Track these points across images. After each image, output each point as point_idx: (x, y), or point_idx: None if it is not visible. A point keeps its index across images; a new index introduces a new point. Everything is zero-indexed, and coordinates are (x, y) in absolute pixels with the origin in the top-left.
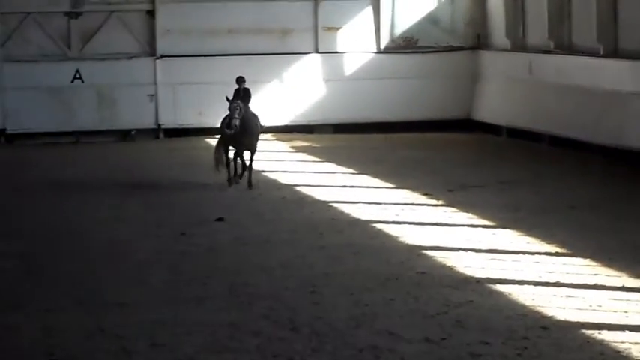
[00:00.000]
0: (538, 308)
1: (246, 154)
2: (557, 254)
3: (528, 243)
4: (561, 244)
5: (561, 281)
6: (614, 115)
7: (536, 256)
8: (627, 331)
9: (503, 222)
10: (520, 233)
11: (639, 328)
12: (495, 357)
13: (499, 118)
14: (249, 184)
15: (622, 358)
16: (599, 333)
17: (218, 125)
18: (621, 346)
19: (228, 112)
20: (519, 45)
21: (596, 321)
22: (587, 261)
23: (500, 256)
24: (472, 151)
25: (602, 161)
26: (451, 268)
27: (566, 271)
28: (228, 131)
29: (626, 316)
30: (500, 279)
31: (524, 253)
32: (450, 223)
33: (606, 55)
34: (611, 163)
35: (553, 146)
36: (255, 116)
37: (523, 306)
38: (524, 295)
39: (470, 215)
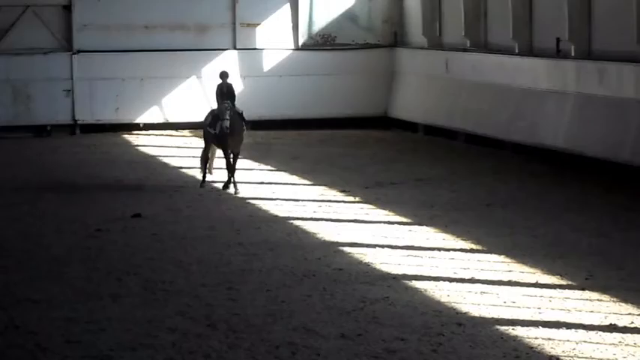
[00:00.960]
0: (453, 305)
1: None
2: (472, 251)
3: (444, 240)
4: (476, 241)
5: (476, 278)
6: (529, 112)
7: (452, 252)
8: (540, 327)
9: (420, 219)
10: (436, 230)
11: (552, 324)
12: (411, 353)
13: (416, 115)
14: (235, 186)
15: (535, 353)
16: (513, 329)
17: (136, 121)
18: (534, 342)
19: (212, 111)
20: (436, 43)
21: (510, 317)
22: (502, 258)
23: (417, 252)
24: (389, 148)
25: (517, 158)
26: (367, 265)
27: (481, 268)
28: (211, 130)
29: (540, 312)
30: (416, 275)
31: (439, 249)
32: (366, 220)
33: (521, 54)
34: (525, 161)
35: (469, 143)
36: (240, 115)
37: (438, 302)
38: (439, 292)
39: (386, 212)
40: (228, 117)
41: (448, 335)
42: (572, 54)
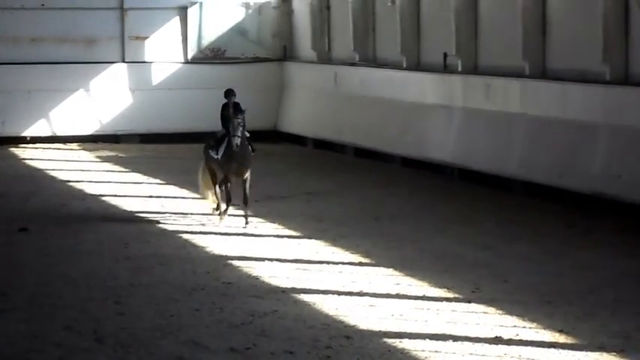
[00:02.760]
0: (341, 318)
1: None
2: (360, 264)
3: (333, 253)
4: (365, 254)
5: (364, 291)
6: (417, 126)
7: (340, 266)
8: (427, 340)
9: (309, 232)
10: (325, 243)
11: (439, 336)
12: None
13: (305, 129)
14: (246, 219)
15: None
16: (401, 342)
17: (23, 134)
18: (421, 355)
19: (214, 135)
20: (325, 57)
21: (397, 330)
22: (390, 271)
23: (305, 266)
24: (278, 162)
25: (406, 172)
26: (257, 278)
27: (370, 281)
28: (214, 155)
29: (427, 325)
30: (305, 289)
31: (328, 263)
32: (256, 234)
33: (409, 68)
34: (414, 174)
35: (358, 157)
36: (248, 137)
37: (327, 316)
38: (328, 305)
39: (276, 225)
40: (239, 134)
41: (336, 348)
42: (459, 69)
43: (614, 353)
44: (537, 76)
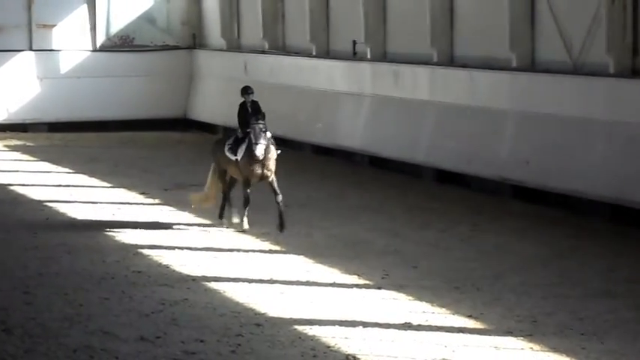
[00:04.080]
0: (252, 305)
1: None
2: (271, 252)
3: (243, 241)
4: (275, 242)
5: (275, 278)
6: (327, 114)
7: (251, 253)
8: (338, 326)
9: (220, 220)
10: (235, 231)
11: (349, 323)
12: (210, 355)
13: (215, 117)
14: (282, 224)
15: (332, 352)
16: (311, 328)
17: None
18: (332, 341)
19: (231, 135)
20: (234, 45)
21: (308, 317)
22: (301, 258)
23: (216, 254)
24: (189, 150)
25: (316, 159)
26: (167, 267)
27: (280, 269)
28: (232, 156)
29: (337, 312)
30: (216, 277)
31: (239, 251)
32: (166, 222)
33: (319, 56)
34: (324, 162)
35: None
36: (270, 138)
37: (237, 303)
38: (238, 293)
39: (186, 214)
40: (263, 141)
41: (247, 336)
42: (368, 56)
43: (521, 338)
44: (445, 64)
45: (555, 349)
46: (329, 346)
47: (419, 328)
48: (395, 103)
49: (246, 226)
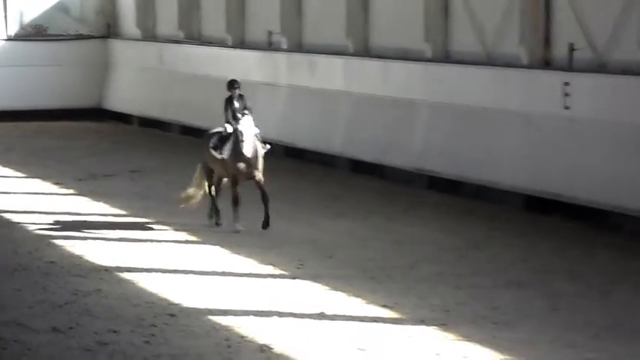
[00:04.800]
0: (166, 296)
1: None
2: (187, 242)
3: (158, 231)
4: (191, 232)
5: (190, 269)
6: None
7: (165, 243)
8: (252, 316)
9: (134, 210)
10: (150, 221)
11: (264, 313)
12: (123, 345)
13: (130, 107)
14: (267, 222)
15: (247, 342)
16: (226, 319)
17: None
18: (246, 331)
19: (215, 131)
20: (150, 35)
21: (223, 307)
22: (216, 248)
23: (130, 244)
24: (103, 140)
25: None
26: (80, 258)
27: (196, 259)
28: (217, 155)
29: (252, 302)
30: (130, 267)
31: (153, 241)
32: (80, 213)
33: (234, 46)
34: None
35: (184, 135)
36: (257, 134)
37: (151, 294)
38: (153, 283)
39: (101, 204)
40: (250, 139)
41: (161, 326)
42: (284, 46)
43: (435, 327)
44: (360, 54)
45: (468, 338)
46: (243, 336)
47: (334, 317)
48: (310, 93)
49: (239, 227)
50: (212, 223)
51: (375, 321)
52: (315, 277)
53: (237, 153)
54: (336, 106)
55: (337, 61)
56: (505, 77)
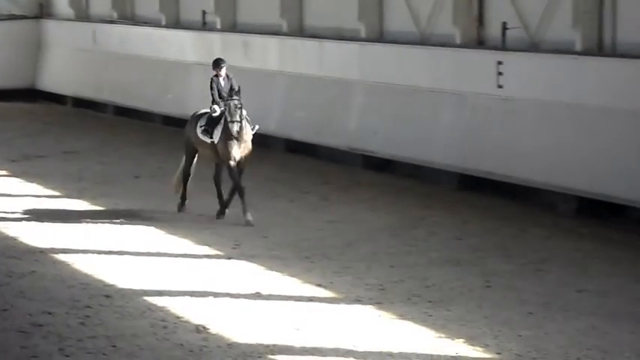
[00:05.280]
0: (101, 277)
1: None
2: (121, 223)
3: (93, 212)
4: (126, 213)
5: (125, 250)
6: (177, 84)
7: (100, 224)
8: (188, 297)
9: (68, 192)
10: (85, 202)
11: (200, 293)
12: (58, 326)
13: (64, 87)
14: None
15: (182, 323)
16: (161, 299)
17: None
18: (182, 312)
19: (203, 113)
20: (83, 15)
21: (158, 288)
22: (152, 229)
23: (65, 226)
24: (36, 121)
25: (166, 130)
26: (14, 239)
27: (130, 240)
28: (207, 139)
29: (188, 282)
30: (65, 249)
31: (88, 222)
32: (14, 194)
33: (168, 26)
34: (175, 133)
35: (118, 116)
36: (246, 117)
37: (86, 275)
38: (87, 265)
39: (35, 185)
40: (239, 119)
41: (96, 308)
42: (218, 26)
43: (370, 305)
44: (295, 34)
45: (403, 317)
46: (179, 317)
47: (269, 297)
48: (245, 73)
49: (250, 218)
50: (182, 207)
51: (311, 300)
52: (250, 257)
53: (228, 136)
54: (270, 87)
55: (272, 41)
56: (439, 57)
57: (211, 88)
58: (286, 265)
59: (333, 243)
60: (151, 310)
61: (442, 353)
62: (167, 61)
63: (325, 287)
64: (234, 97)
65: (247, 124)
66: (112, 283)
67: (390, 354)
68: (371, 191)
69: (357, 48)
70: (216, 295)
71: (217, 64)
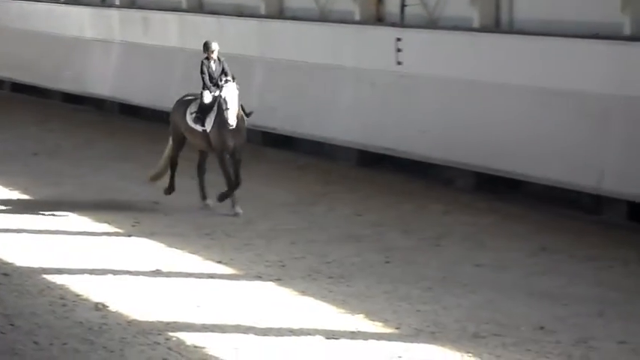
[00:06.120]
0: None
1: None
2: (19, 200)
3: None
4: (24, 191)
5: (23, 227)
6: (76, 61)
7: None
8: (87, 275)
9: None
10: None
11: (99, 271)
12: None
13: None
14: (236, 207)
15: (82, 301)
16: (60, 277)
17: None
18: (81, 290)
19: (193, 97)
20: None
21: (57, 266)
22: (48, 207)
23: None
24: None
25: (66, 108)
26: None
27: (28, 217)
28: (198, 127)
29: (88, 260)
30: None
31: None
32: None
33: (68, 2)
34: (74, 110)
35: (16, 92)
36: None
37: None
38: None
39: None
40: (234, 106)
41: None
42: (117, 2)
43: (270, 282)
44: (194, 10)
45: (304, 293)
46: (78, 295)
47: (169, 274)
48: (145, 50)
49: (239, 210)
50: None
51: (211, 277)
52: (150, 235)
53: (222, 124)
54: (170, 63)
55: (171, 18)
56: (338, 33)
57: (202, 72)
58: (186, 243)
59: (233, 220)
60: (50, 288)
61: (342, 328)
62: (66, 38)
63: (225, 264)
64: (229, 82)
65: (242, 110)
66: (10, 261)
67: (291, 330)
68: (271, 168)
69: (256, 25)
70: (115, 272)
71: (207, 46)
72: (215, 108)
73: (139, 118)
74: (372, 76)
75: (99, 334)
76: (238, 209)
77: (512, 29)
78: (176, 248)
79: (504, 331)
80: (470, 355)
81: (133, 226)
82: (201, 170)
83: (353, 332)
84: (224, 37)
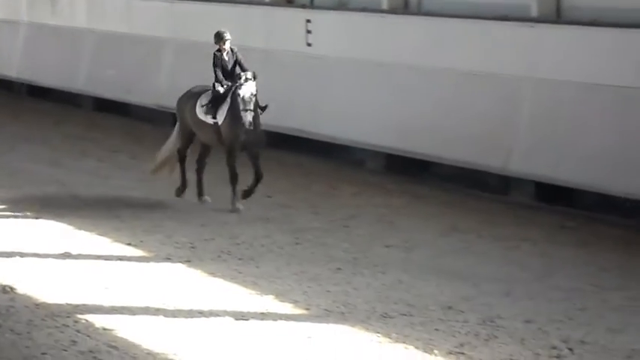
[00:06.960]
0: None
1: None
2: None
3: None
4: None
5: None
6: None
7: None
8: None
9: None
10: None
11: (6, 254)
12: None
13: None
14: (235, 203)
15: None
16: None
17: None
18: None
19: (202, 88)
20: None
21: None
22: None
23: None
24: None
25: None
26: None
27: None
28: (209, 120)
29: None
30: None
31: None
32: None
33: None
34: None
35: None
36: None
37: None
38: None
39: None
40: (252, 107)
41: None
42: None
43: (180, 263)
44: None
45: (213, 274)
46: None
47: (78, 257)
48: (52, 30)
49: (240, 206)
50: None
51: (121, 259)
52: (59, 217)
53: (235, 118)
54: (79, 44)
55: None
56: (248, 14)
57: (214, 65)
58: (95, 225)
59: (143, 202)
60: None
61: (252, 310)
62: None
63: (135, 246)
64: (249, 79)
65: (258, 108)
66: None
67: (201, 311)
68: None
69: (166, 6)
70: (23, 255)
71: (220, 37)
72: (228, 100)
73: (47, 100)
74: (281, 57)
75: (6, 317)
76: (239, 205)
77: (420, 11)
78: (85, 230)
79: (413, 310)
80: (378, 334)
81: (42, 207)
82: (200, 165)
83: (263, 313)
84: (133, 18)
